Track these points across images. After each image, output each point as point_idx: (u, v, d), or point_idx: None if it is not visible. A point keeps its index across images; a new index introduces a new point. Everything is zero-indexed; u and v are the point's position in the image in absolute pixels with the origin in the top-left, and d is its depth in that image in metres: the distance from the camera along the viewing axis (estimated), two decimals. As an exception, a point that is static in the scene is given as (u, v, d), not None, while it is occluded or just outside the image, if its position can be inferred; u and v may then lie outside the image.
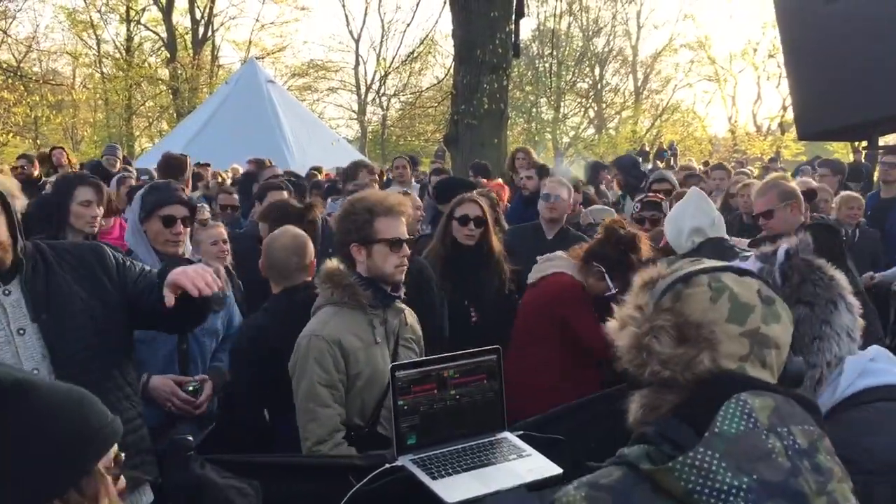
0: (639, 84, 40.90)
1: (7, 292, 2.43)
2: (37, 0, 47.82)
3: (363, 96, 38.29)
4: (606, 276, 3.97)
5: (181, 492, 2.47)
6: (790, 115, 26.46)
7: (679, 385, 1.42)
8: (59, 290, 2.50)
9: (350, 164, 7.87)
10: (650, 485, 1.33)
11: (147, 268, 2.78)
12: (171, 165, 6.70)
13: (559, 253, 4.27)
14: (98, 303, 2.56)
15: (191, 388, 3.40)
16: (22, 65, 29.86)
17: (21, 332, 2.42)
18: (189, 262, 2.70)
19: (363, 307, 3.06)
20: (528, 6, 17.24)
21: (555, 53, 31.91)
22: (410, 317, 3.29)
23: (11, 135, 18.29)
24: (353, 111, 39.39)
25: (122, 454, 1.46)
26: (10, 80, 16.11)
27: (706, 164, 14.29)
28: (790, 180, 4.60)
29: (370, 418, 3.05)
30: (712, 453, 1.29)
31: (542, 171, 7.27)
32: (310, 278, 3.62)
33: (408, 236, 3.14)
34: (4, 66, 21.08)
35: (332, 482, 2.56)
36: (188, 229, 3.77)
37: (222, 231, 4.54)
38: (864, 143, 3.59)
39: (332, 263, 3.12)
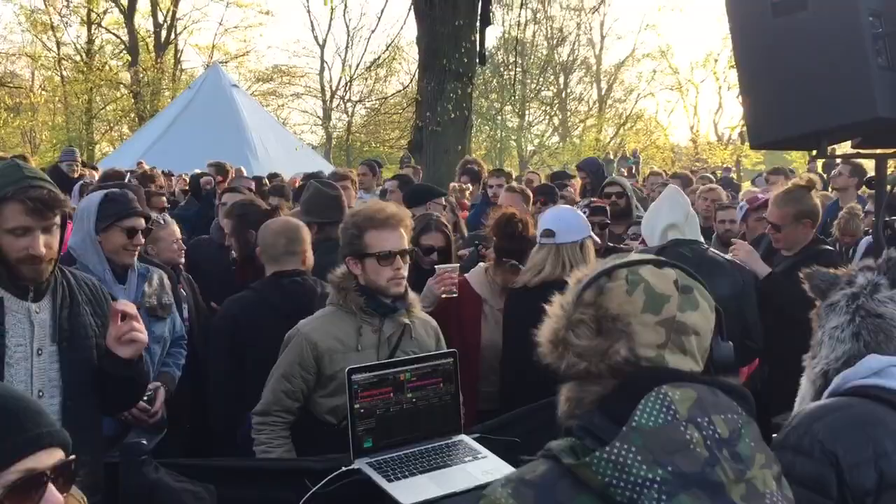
0: (602, 93, 41.39)
1: (38, 310, 2.45)
2: (-5, 1, 46.94)
3: (328, 102, 38.23)
4: (518, 265, 3.89)
5: (136, 497, 2.46)
6: (749, 125, 26.90)
7: (601, 378, 1.45)
8: (79, 319, 2.52)
9: (332, 174, 7.79)
10: (572, 479, 1.35)
11: None
12: (109, 179, 6.60)
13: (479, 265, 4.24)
14: (101, 340, 2.55)
15: (145, 398, 3.36)
16: (-22, 67, 29.43)
17: (39, 352, 2.43)
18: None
19: (356, 313, 3.07)
20: (493, 14, 17.34)
21: (519, 62, 32.11)
22: (421, 330, 3.22)
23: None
24: (318, 117, 39.32)
25: (73, 463, 1.41)
26: (-35, 82, 15.86)
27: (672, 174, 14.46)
28: (812, 195, 4.46)
29: (344, 419, 3.04)
30: (628, 447, 1.31)
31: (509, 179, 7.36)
32: (302, 267, 3.74)
33: (404, 247, 3.10)
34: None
35: (288, 486, 2.57)
36: (143, 240, 3.77)
37: (177, 229, 4.53)
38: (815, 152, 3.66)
39: (343, 269, 3.16)
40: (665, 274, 1.51)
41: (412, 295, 3.20)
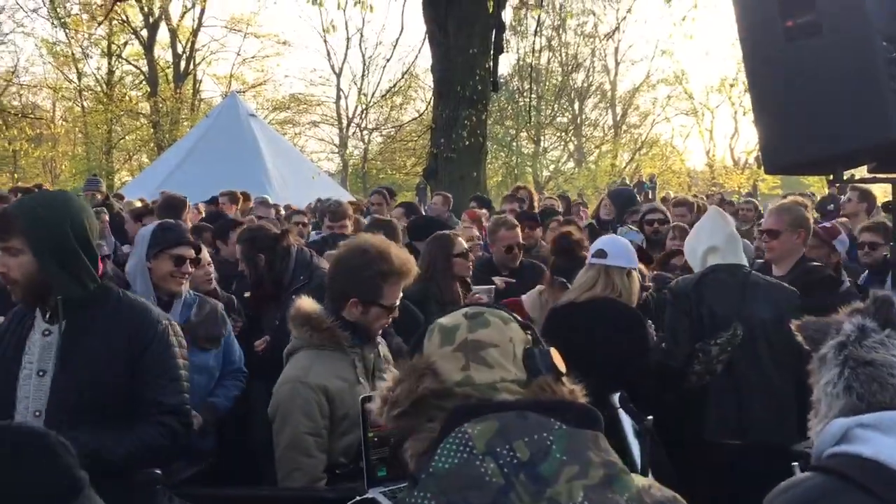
0: (618, 118, 41.46)
1: (47, 332, 2.51)
2: (19, 34, 47.86)
3: (344, 130, 38.51)
4: (567, 283, 4.00)
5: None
6: (766, 149, 26.85)
7: (422, 425, 1.56)
8: (87, 349, 2.51)
9: (334, 202, 7.80)
10: None
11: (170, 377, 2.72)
12: (171, 206, 6.72)
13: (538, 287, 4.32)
14: (120, 379, 2.54)
15: None
16: (1, 98, 29.88)
17: (41, 373, 2.48)
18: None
19: (343, 349, 3.01)
20: (507, 42, 17.49)
21: (534, 88, 32.27)
22: (383, 347, 3.26)
23: (-11, 168, 18.30)
24: (335, 144, 39.60)
25: None
26: (-12, 114, 16.15)
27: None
28: (808, 208, 4.62)
29: (355, 456, 3.01)
30: (423, 493, 1.40)
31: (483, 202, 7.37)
32: None
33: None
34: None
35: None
36: (192, 269, 3.83)
37: (206, 255, 4.53)
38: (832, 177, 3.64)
39: (308, 304, 3.05)
40: (458, 314, 1.68)
41: None
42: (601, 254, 3.85)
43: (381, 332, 3.15)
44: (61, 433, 2.29)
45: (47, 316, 2.52)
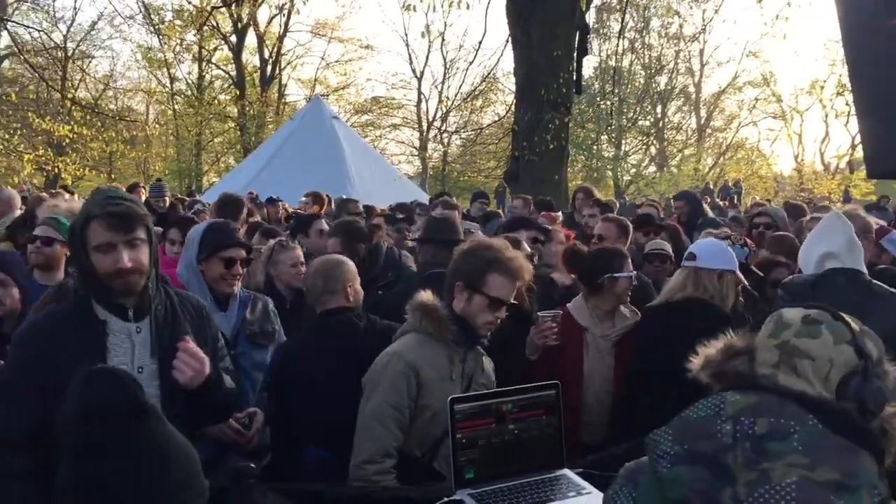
0: (702, 122, 40.54)
1: (138, 329, 2.55)
2: (116, 40, 49.92)
3: (425, 133, 38.77)
4: (606, 278, 3.96)
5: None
6: (860, 154, 25.84)
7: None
8: (177, 339, 2.60)
9: (338, 199, 7.92)
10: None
11: (222, 346, 2.89)
12: (228, 205, 6.79)
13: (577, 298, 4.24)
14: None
15: (243, 423, 3.38)
16: (99, 102, 31.18)
17: (140, 370, 2.52)
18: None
19: (447, 342, 3.05)
20: (590, 44, 17.28)
21: (616, 91, 31.85)
22: (488, 364, 3.24)
23: (88, 169, 19.07)
24: (415, 147, 39.88)
25: None
26: (87, 117, 16.84)
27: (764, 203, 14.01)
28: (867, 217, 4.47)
29: (428, 451, 3.03)
30: (667, 429, 1.72)
31: (606, 208, 7.22)
32: (347, 303, 3.60)
33: (511, 301, 3.09)
34: (83, 103, 22.02)
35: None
36: (245, 270, 3.84)
37: (300, 253, 4.55)
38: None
39: (427, 295, 3.13)
40: (799, 309, 1.80)
41: None
42: (691, 256, 3.86)
43: (487, 334, 3.12)
44: (194, 421, 2.50)
45: (130, 314, 2.53)
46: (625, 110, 36.37)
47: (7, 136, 14.04)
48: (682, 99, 40.64)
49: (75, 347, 2.46)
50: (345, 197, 10.39)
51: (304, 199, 10.63)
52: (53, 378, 2.38)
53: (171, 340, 2.58)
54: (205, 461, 2.92)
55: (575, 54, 13.71)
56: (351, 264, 3.74)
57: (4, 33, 29.00)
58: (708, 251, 3.87)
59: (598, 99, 34.42)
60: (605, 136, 36.94)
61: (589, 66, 33.92)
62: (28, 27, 25.78)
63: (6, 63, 33.27)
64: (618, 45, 28.35)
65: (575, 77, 13.81)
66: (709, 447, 1.63)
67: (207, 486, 1.52)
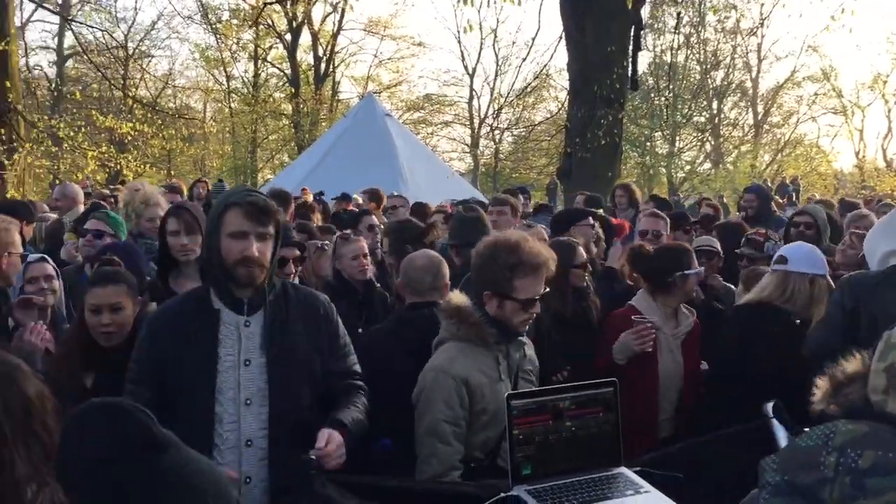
0: (759, 117, 39.68)
1: (247, 323, 2.65)
2: (175, 40, 51.02)
3: (476, 130, 38.74)
4: (678, 276, 3.91)
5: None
6: (925, 150, 25.02)
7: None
8: (292, 335, 2.69)
9: (493, 199, 7.78)
10: None
11: (344, 344, 2.91)
12: (275, 199, 6.89)
13: (640, 292, 4.19)
14: (317, 357, 2.74)
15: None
16: (158, 100, 31.88)
17: (247, 363, 2.61)
18: None
19: (488, 344, 3.06)
20: (644, 40, 17.10)
21: (671, 87, 31.39)
22: (529, 349, 3.27)
23: (148, 166, 19.56)
24: (466, 144, 39.90)
25: None
26: (148, 115, 17.29)
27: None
28: None
29: (491, 451, 3.06)
30: (774, 458, 1.64)
31: (663, 205, 7.15)
32: (441, 299, 3.64)
33: (542, 292, 3.08)
34: (144, 101, 22.59)
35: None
36: (299, 268, 3.89)
37: (363, 245, 4.58)
38: None
39: (459, 298, 3.14)
40: None
41: None
42: (782, 260, 3.82)
43: (525, 329, 3.14)
44: (335, 421, 2.52)
45: (244, 308, 2.63)
46: (679, 106, 35.82)
47: (72, 134, 14.46)
48: (739, 94, 39.83)
49: (190, 333, 2.61)
50: (395, 193, 10.48)
51: (360, 195, 10.76)
52: (167, 359, 2.60)
53: (282, 336, 2.65)
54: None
55: (629, 50, 13.59)
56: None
57: (69, 33, 29.93)
58: (799, 255, 3.83)
59: (653, 95, 33.98)
60: (659, 133, 36.43)
61: (643, 61, 33.46)
62: (91, 27, 26.53)
63: (70, 62, 34.26)
64: (673, 40, 27.93)
65: (629, 73, 13.68)
66: (809, 479, 1.56)
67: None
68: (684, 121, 37.40)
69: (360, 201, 10.33)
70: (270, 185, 19.81)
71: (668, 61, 28.28)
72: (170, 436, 1.39)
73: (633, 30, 13.57)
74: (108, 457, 1.32)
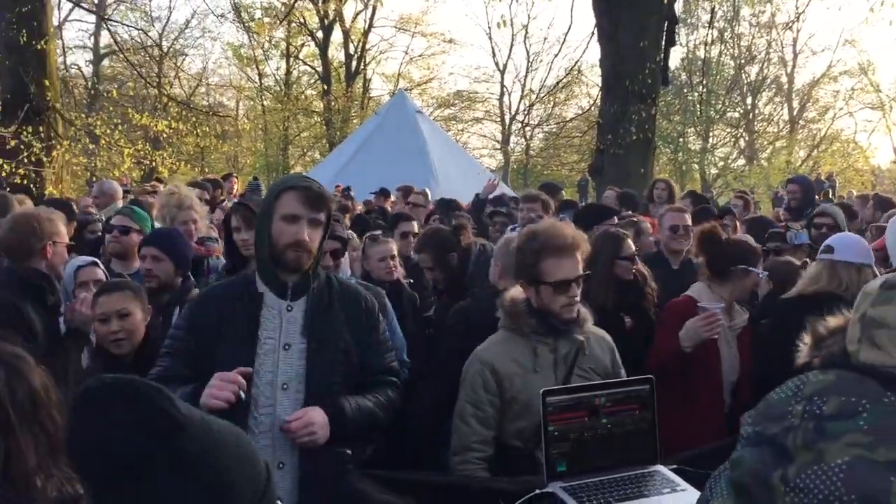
0: (794, 113, 39.10)
1: (290, 308, 2.67)
2: (208, 39, 51.55)
3: (507, 126, 38.66)
4: (740, 268, 3.89)
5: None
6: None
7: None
8: (332, 325, 2.71)
9: (524, 195, 7.72)
10: None
11: (385, 339, 2.94)
12: None
13: (696, 284, 4.16)
14: (355, 349, 2.75)
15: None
16: (192, 98, 32.22)
17: (286, 347, 2.63)
18: None
19: (527, 335, 3.07)
20: (677, 35, 16.93)
21: (704, 82, 31.05)
22: (597, 347, 3.19)
23: (182, 163, 19.78)
24: (497, 141, 39.82)
25: None
26: (182, 113, 17.49)
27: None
28: None
29: (529, 441, 3.04)
30: (751, 412, 1.68)
31: (699, 200, 7.07)
32: None
33: (579, 274, 3.06)
34: (178, 99, 22.84)
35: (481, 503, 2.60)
36: (339, 260, 3.91)
37: (392, 247, 4.57)
38: None
39: (516, 290, 3.18)
40: (882, 278, 1.70)
41: (583, 311, 3.16)
42: (828, 249, 3.81)
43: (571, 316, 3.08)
44: (329, 401, 2.55)
45: (288, 293, 2.66)
46: (713, 102, 35.42)
47: (108, 132, 14.67)
48: (774, 89, 39.29)
49: (231, 314, 2.64)
50: (418, 190, 10.48)
51: (394, 192, 10.80)
52: (206, 338, 2.63)
53: (323, 324, 2.68)
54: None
55: (662, 45, 13.46)
56: None
57: (104, 32, 30.35)
58: (846, 244, 3.82)
59: (686, 90, 33.65)
60: (692, 129, 36.07)
61: (676, 56, 33.17)
62: (127, 26, 26.90)
63: (105, 61, 34.75)
64: (707, 34, 27.61)
65: (662, 68, 13.55)
66: (776, 428, 1.58)
67: (264, 472, 1.26)
68: (718, 116, 37.00)
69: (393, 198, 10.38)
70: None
71: (702, 56, 27.96)
72: (190, 413, 1.26)
73: (666, 25, 13.44)
74: (125, 440, 1.19)
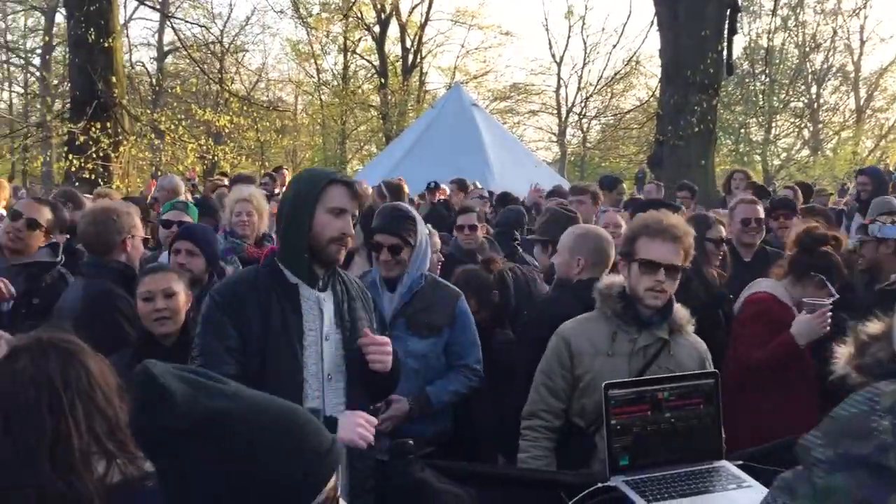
0: (861, 102, 37.92)
1: (325, 299, 2.67)
2: (268, 35, 52.36)
3: (564, 118, 38.38)
4: (818, 279, 3.78)
5: (401, 493, 2.61)
6: None
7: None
8: (354, 312, 2.74)
9: (572, 187, 7.65)
10: None
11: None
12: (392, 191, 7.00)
13: (764, 280, 4.08)
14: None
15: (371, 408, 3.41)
16: (252, 93, 32.76)
17: (327, 338, 2.65)
18: None
19: (610, 318, 3.09)
20: (740, 23, 16.56)
21: (767, 71, 30.32)
22: (684, 352, 3.11)
23: (243, 157, 20.16)
24: (553, 133, 39.55)
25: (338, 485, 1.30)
26: (243, 108, 17.83)
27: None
28: None
29: (592, 424, 3.02)
30: (816, 433, 1.51)
31: (762, 193, 6.92)
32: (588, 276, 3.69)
33: (673, 262, 3.02)
34: (239, 95, 23.26)
35: (544, 496, 2.61)
36: (398, 256, 3.65)
37: (437, 241, 4.55)
38: None
39: (616, 276, 3.23)
40: None
41: (683, 314, 3.12)
42: None
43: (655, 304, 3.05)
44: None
45: (319, 284, 2.65)
46: (776, 91, 34.57)
47: (172, 127, 15.04)
48: (840, 78, 38.16)
49: (271, 303, 2.56)
50: (479, 186, 10.46)
51: (447, 185, 10.82)
52: (249, 333, 2.53)
53: (351, 313, 2.70)
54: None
55: (724, 33, 13.21)
56: None
57: (168, 30, 31.05)
58: None
59: (748, 80, 32.91)
60: (754, 119, 35.28)
61: (738, 45, 32.45)
62: (190, 23, 27.47)
63: (168, 59, 35.53)
64: (770, 22, 26.96)
65: (724, 57, 13.30)
66: (867, 448, 1.45)
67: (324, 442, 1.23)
68: (781, 106, 36.12)
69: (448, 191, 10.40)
70: (358, 176, 20.11)
71: (765, 45, 27.32)
72: (231, 389, 1.24)
73: (728, 13, 13.18)
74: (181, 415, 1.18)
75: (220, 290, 2.65)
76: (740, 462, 2.69)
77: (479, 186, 10.82)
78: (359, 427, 2.46)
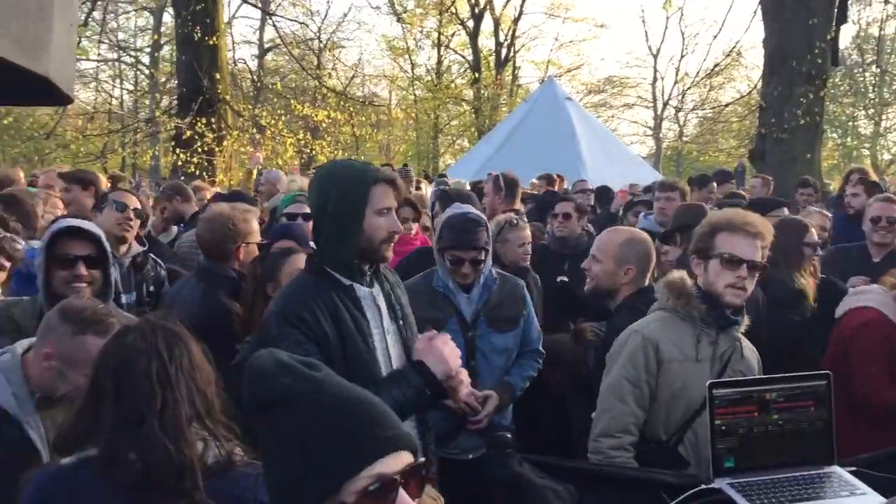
0: (983, 92, 35.68)
1: (376, 294, 2.66)
2: (363, 32, 53.15)
3: (659, 112, 37.58)
4: None
5: (500, 486, 2.62)
6: None
7: None
8: (400, 299, 2.75)
9: (659, 183, 7.49)
10: None
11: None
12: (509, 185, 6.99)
13: (873, 286, 3.86)
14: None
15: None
16: (348, 89, 33.37)
17: (388, 332, 2.65)
18: None
19: (694, 320, 2.94)
20: (849, 11, 15.82)
21: (878, 62, 28.88)
22: (750, 353, 3.05)
23: (339, 151, 20.55)
24: (648, 127, 38.82)
25: (423, 467, 1.33)
26: (340, 103, 18.18)
27: None
28: None
29: (674, 435, 2.94)
30: None
31: (875, 189, 6.59)
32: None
33: (754, 258, 2.91)
34: (336, 90, 23.73)
35: (645, 496, 2.56)
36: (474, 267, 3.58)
37: (529, 234, 4.55)
38: None
39: (680, 273, 3.08)
40: None
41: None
42: None
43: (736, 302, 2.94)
44: None
45: (366, 280, 2.61)
46: (888, 82, 32.90)
47: (273, 122, 15.48)
48: (959, 67, 36.00)
49: (338, 310, 2.51)
50: (581, 178, 10.35)
51: (535, 180, 10.78)
52: (322, 334, 2.47)
53: (401, 307, 2.71)
54: (437, 437, 3.04)
55: (833, 22, 12.66)
56: None
57: (269, 27, 31.91)
58: None
59: (857, 71, 31.45)
60: (863, 112, 33.69)
61: (847, 34, 31.05)
62: (290, 20, 28.15)
63: (268, 55, 36.53)
64: (882, 10, 25.65)
65: (831, 47, 12.74)
66: None
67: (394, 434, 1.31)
68: (892, 98, 34.37)
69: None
70: (450, 171, 20.21)
71: (876, 34, 25.98)
72: (316, 372, 1.33)
73: (838, 1, 12.62)
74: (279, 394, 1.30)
75: (286, 306, 2.53)
76: (853, 468, 2.57)
77: (583, 179, 10.74)
78: (443, 353, 2.50)
